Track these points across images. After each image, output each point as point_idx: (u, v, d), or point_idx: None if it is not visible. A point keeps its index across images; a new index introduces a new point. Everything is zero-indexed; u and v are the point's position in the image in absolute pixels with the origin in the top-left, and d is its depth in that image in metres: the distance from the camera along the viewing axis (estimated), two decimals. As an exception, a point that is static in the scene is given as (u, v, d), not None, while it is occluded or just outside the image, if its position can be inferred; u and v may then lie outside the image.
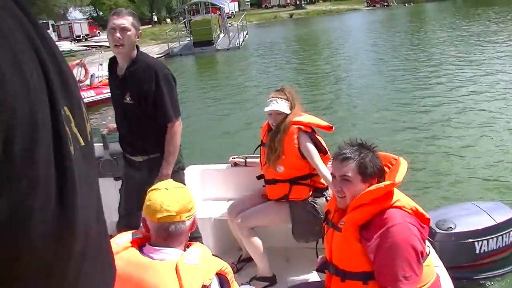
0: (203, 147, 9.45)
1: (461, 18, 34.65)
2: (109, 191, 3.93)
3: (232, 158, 4.12)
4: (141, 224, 1.97)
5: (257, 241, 3.47)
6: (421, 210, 2.21)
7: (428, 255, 2.26)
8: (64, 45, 37.34)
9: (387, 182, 2.19)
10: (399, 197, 2.20)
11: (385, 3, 61.86)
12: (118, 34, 3.05)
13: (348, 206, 2.24)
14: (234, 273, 3.69)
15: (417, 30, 30.88)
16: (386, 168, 2.35)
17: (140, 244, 1.91)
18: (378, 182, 2.22)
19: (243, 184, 3.96)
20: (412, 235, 2.08)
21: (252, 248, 3.49)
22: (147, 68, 3.13)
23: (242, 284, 3.20)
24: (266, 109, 3.44)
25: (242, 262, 3.83)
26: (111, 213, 3.57)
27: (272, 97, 3.46)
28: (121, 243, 1.88)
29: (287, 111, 3.41)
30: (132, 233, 1.95)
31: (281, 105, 3.40)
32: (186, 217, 1.89)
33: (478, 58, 17.14)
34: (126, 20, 3.06)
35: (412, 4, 60.41)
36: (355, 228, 2.20)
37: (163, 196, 1.86)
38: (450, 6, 49.03)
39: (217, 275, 1.85)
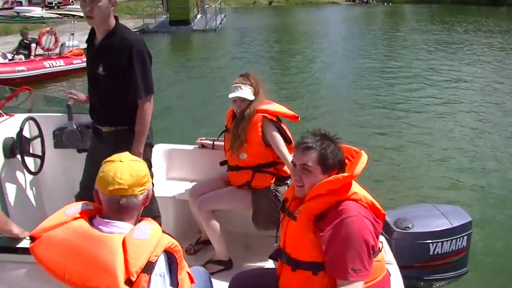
0: (172, 126, 9.39)
1: (435, 23, 35.24)
2: (72, 164, 3.84)
3: (200, 140, 4.08)
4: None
5: (215, 224, 3.46)
6: (377, 205, 2.21)
7: (380, 250, 2.27)
8: (35, 11, 36.17)
9: (345, 174, 2.18)
10: (357, 190, 2.19)
11: (365, 0, 62.14)
12: (88, 7, 2.99)
13: (306, 196, 2.22)
14: (191, 254, 3.74)
15: (392, 30, 31.27)
16: (347, 161, 2.33)
17: (90, 216, 1.88)
18: (338, 174, 2.20)
19: (209, 167, 3.93)
20: (366, 229, 2.08)
21: (210, 230, 3.49)
22: (123, 42, 3.07)
23: (192, 266, 3.18)
24: (230, 95, 3.40)
25: (200, 244, 3.83)
26: (73, 186, 3.49)
27: (236, 83, 3.41)
28: (71, 213, 1.86)
29: (251, 98, 3.37)
30: (83, 203, 1.92)
31: (245, 92, 3.37)
32: (139, 191, 1.85)
33: (447, 63, 17.66)
34: None
35: (390, 4, 60.83)
36: (310, 218, 2.19)
37: (117, 168, 1.81)
38: (427, 11, 49.64)
39: (165, 252, 1.82)
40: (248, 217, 3.48)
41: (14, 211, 3.55)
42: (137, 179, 1.84)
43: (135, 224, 1.86)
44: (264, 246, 3.44)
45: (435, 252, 3.58)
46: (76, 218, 1.84)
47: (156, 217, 3.37)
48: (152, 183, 3.29)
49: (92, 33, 3.25)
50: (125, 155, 1.90)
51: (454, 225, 3.60)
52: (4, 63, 14.76)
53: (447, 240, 3.58)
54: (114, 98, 3.16)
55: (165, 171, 4.17)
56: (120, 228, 1.81)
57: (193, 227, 3.88)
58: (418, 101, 11.91)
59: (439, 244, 3.56)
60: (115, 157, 1.87)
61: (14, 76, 14.05)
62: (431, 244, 3.54)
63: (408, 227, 3.51)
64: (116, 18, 3.16)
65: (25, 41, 15.80)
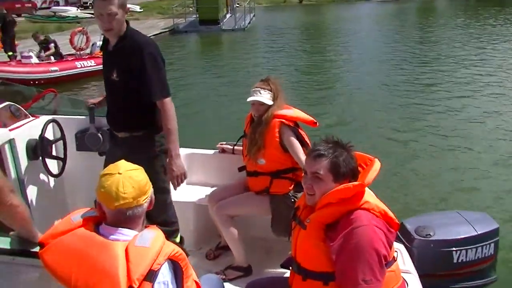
0: (194, 129, 9.38)
1: (472, 16, 34.35)
2: (93, 166, 3.87)
3: (220, 144, 4.07)
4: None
5: (233, 230, 3.46)
6: (390, 214, 2.16)
7: (395, 260, 2.22)
8: (70, 11, 37.11)
9: (355, 183, 2.13)
10: (369, 199, 2.14)
11: (396, -4, 61.22)
12: (106, 21, 3.01)
13: (316, 204, 2.18)
14: (211, 259, 3.73)
15: (426, 27, 30.60)
16: (360, 169, 2.28)
17: (97, 222, 1.90)
18: (350, 182, 2.15)
19: (229, 172, 3.92)
20: (377, 238, 2.03)
21: (228, 236, 3.49)
22: (133, 45, 3.08)
23: (209, 272, 3.17)
24: (249, 99, 3.38)
25: (220, 249, 3.83)
26: (95, 189, 3.51)
27: (256, 87, 3.40)
28: (77, 220, 1.89)
29: (269, 102, 3.35)
30: (89, 210, 1.94)
31: (264, 96, 3.35)
32: (143, 200, 1.86)
33: (485, 62, 16.99)
34: (113, 5, 2.98)
35: (422, -1, 59.76)
36: (320, 227, 2.15)
37: (118, 182, 1.81)
38: (462, 3, 48.54)
39: (170, 260, 1.81)
40: (269, 222, 3.46)
41: (36, 213, 3.59)
42: (140, 189, 1.84)
43: (140, 231, 1.87)
44: (285, 252, 3.40)
45: (460, 260, 3.48)
46: (82, 225, 1.87)
47: (173, 223, 3.41)
48: (169, 189, 3.34)
49: (106, 40, 3.28)
50: (122, 165, 1.88)
51: (479, 232, 3.50)
52: (38, 63, 15.08)
53: (471, 248, 3.48)
54: (129, 103, 3.17)
55: None
56: (125, 235, 1.82)
57: (213, 232, 3.86)
58: (449, 104, 11.54)
59: (463, 252, 3.46)
60: (112, 169, 1.86)
61: (48, 76, 14.40)
62: (454, 252, 3.45)
63: (430, 234, 3.43)
64: (127, 22, 3.17)
65: (42, 44, 16.03)
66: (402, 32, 27.99)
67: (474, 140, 8.88)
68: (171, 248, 1.83)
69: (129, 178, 1.83)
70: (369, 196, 2.18)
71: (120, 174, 1.83)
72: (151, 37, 3.31)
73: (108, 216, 1.87)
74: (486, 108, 10.98)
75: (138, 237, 1.80)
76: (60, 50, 16.33)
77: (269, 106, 3.35)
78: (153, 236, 1.82)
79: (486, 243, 3.51)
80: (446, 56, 18.59)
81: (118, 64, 3.13)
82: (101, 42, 12.90)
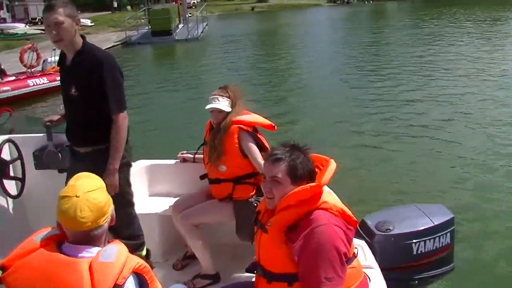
0: (153, 141, 9.33)
1: (419, 18, 35.49)
2: (54, 184, 3.80)
3: (181, 154, 4.06)
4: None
5: (199, 238, 3.45)
6: (348, 212, 2.22)
7: (355, 256, 2.28)
8: (18, 28, 36.09)
9: (312, 184, 2.19)
10: (327, 199, 2.19)
11: (346, 0, 62.49)
12: (54, 31, 2.98)
13: (276, 208, 2.22)
14: (179, 269, 3.72)
15: (376, 28, 31.43)
16: (317, 170, 2.33)
17: (59, 241, 1.87)
18: (308, 184, 2.20)
19: (191, 181, 3.90)
20: (336, 237, 2.08)
21: (194, 245, 3.48)
22: (92, 60, 3.07)
23: (178, 283, 3.17)
24: (207, 106, 3.40)
25: (187, 259, 3.80)
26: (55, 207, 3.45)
27: (214, 95, 3.42)
28: (40, 239, 1.86)
29: (228, 109, 3.38)
30: (52, 229, 1.91)
31: (222, 103, 3.37)
32: (103, 220, 1.84)
33: (433, 59, 17.68)
34: (58, 14, 2.96)
35: (371, 2, 61.22)
36: (281, 230, 2.19)
37: (76, 206, 1.78)
38: (409, 6, 50.00)
39: (135, 274, 1.81)
40: (234, 228, 3.47)
41: None
42: (99, 211, 1.81)
43: (104, 246, 1.86)
44: (251, 256, 3.42)
45: (419, 252, 3.60)
46: (45, 245, 1.84)
47: (139, 236, 3.39)
48: (133, 202, 3.33)
49: (62, 55, 3.24)
50: (80, 186, 1.84)
51: (435, 223, 3.63)
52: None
53: (430, 239, 3.60)
54: (89, 118, 3.15)
55: (147, 187, 4.15)
56: (88, 252, 1.80)
57: (179, 242, 3.83)
58: (401, 100, 11.92)
59: (422, 243, 3.58)
60: (69, 191, 1.83)
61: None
62: (414, 244, 3.56)
63: (390, 229, 3.53)
64: (83, 37, 3.16)
65: None
66: (354, 34, 28.67)
67: (425, 135, 9.15)
68: (135, 261, 1.83)
69: (87, 201, 1.79)
70: (327, 196, 2.23)
71: (78, 197, 1.79)
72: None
73: (69, 236, 1.85)
74: (437, 103, 11.37)
75: (101, 252, 1.79)
76: (2, 67, 15.74)
77: (228, 113, 3.37)
78: (116, 250, 1.81)
79: (443, 233, 3.63)
80: (396, 55, 19.20)
81: (77, 80, 3.10)
82: (52, 58, 12.56)
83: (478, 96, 11.85)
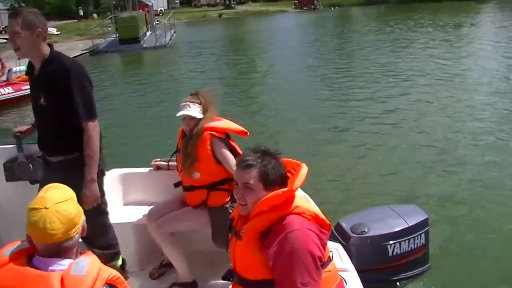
0: (125, 149, 9.22)
1: (383, 23, 36.19)
2: (26, 196, 3.69)
3: (155, 162, 4.02)
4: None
5: (174, 246, 3.42)
6: (321, 215, 2.21)
7: (331, 260, 2.27)
8: (-19, 37, 35.27)
9: (284, 189, 2.17)
10: (299, 203, 2.18)
11: (312, 6, 63.14)
12: (12, 40, 2.98)
13: (249, 214, 2.21)
14: (156, 278, 3.67)
15: (341, 33, 31.90)
16: (289, 174, 2.32)
17: (29, 255, 1.82)
18: (280, 188, 2.19)
19: (166, 189, 3.86)
20: (310, 241, 2.07)
21: (170, 253, 3.45)
22: (59, 68, 3.02)
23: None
24: (178, 113, 3.38)
25: (163, 267, 3.75)
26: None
27: (185, 102, 3.40)
28: (9, 254, 1.80)
29: (199, 116, 3.36)
30: (21, 242, 1.86)
31: (193, 110, 3.35)
32: (74, 232, 1.80)
33: (395, 62, 18.14)
34: (16, 24, 2.94)
35: (338, 8, 62.03)
36: (255, 236, 2.17)
37: (45, 218, 1.74)
38: (374, 11, 50.86)
39: (108, 285, 1.78)
40: (209, 235, 3.44)
41: None
42: (69, 223, 1.78)
43: (75, 258, 1.82)
44: (228, 263, 3.41)
45: (394, 253, 3.64)
46: (14, 259, 1.79)
47: (114, 245, 3.34)
48: (107, 211, 3.26)
49: (30, 65, 3.19)
50: (49, 198, 1.81)
51: (410, 224, 3.68)
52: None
53: (404, 240, 3.65)
54: (58, 126, 3.10)
55: (121, 196, 4.09)
56: (60, 265, 1.76)
57: (155, 251, 3.78)
58: (369, 102, 12.13)
59: (397, 244, 3.62)
60: (38, 202, 1.79)
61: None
62: (389, 246, 3.60)
63: (365, 231, 3.56)
64: (50, 45, 3.11)
65: None
66: (321, 38, 29.09)
67: (395, 137, 9.33)
68: (108, 272, 1.80)
69: (57, 212, 1.76)
70: (300, 200, 2.22)
71: (47, 209, 1.76)
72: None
73: (39, 249, 1.81)
74: (405, 105, 11.65)
75: (73, 265, 1.75)
76: None
77: (200, 119, 3.35)
78: (88, 262, 1.77)
79: (418, 233, 3.69)
80: (362, 60, 19.54)
81: (45, 89, 3.05)
82: (17, 68, 12.37)
83: (444, 97, 12.22)
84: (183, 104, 3.39)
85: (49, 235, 1.73)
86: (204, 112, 3.37)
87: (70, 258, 1.80)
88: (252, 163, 2.18)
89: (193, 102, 3.37)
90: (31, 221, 1.75)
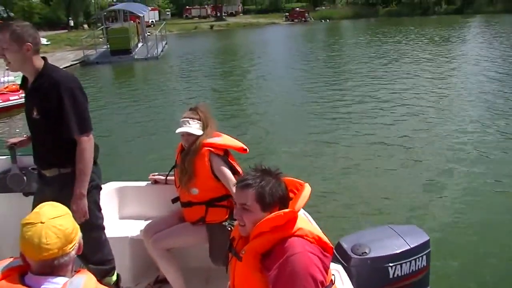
0: (122, 162, 9.15)
1: (373, 35, 36.59)
2: (19, 208, 3.60)
3: (152, 176, 3.94)
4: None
5: (171, 263, 3.37)
6: (324, 238, 2.14)
7: (333, 283, 2.19)
8: (-32, 48, 34.81)
9: (286, 210, 2.10)
10: (302, 225, 2.11)
11: (303, 19, 63.62)
12: (2, 56, 2.93)
13: (250, 235, 2.14)
14: (151, 294, 3.56)
15: (332, 45, 32.12)
16: (292, 194, 2.25)
17: (21, 272, 1.75)
18: (281, 209, 2.12)
19: (163, 203, 3.80)
20: (312, 264, 2.01)
21: (166, 269, 3.39)
22: (50, 81, 2.96)
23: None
24: (178, 130, 3.32)
25: (159, 283, 3.69)
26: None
27: (184, 118, 3.34)
28: (0, 271, 1.74)
29: (198, 133, 3.30)
30: (13, 259, 1.79)
31: (193, 126, 3.30)
32: (70, 248, 1.73)
33: (388, 75, 18.32)
34: (4, 39, 2.89)
35: (328, 20, 62.54)
36: (255, 257, 2.10)
37: (40, 232, 1.67)
38: (364, 25, 51.31)
39: None
40: (207, 251, 3.38)
41: None
42: (65, 238, 1.71)
43: (70, 277, 1.75)
44: (225, 280, 3.35)
45: (395, 275, 3.55)
46: (5, 276, 1.72)
47: (109, 261, 3.28)
48: (103, 226, 3.17)
49: (24, 78, 3.15)
50: (45, 213, 1.75)
51: (411, 246, 3.59)
52: None
53: (406, 262, 3.56)
54: (52, 141, 3.04)
55: (118, 210, 4.03)
56: (53, 283, 1.70)
57: (151, 266, 3.72)
58: (363, 117, 12.14)
59: (398, 266, 3.53)
60: (33, 217, 1.73)
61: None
62: (390, 268, 3.51)
63: (366, 252, 3.47)
64: (44, 58, 3.06)
65: None
66: (312, 50, 29.33)
67: (393, 155, 9.30)
68: None
69: (53, 227, 1.70)
70: (302, 222, 2.15)
71: (43, 223, 1.70)
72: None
73: (33, 266, 1.74)
74: (400, 121, 11.64)
75: (68, 285, 1.69)
76: None
77: (199, 136, 3.29)
78: (83, 282, 1.72)
79: (419, 255, 3.60)
80: (353, 72, 19.72)
81: (37, 102, 3.00)
82: (5, 78, 12.35)
83: (437, 110, 12.29)
84: (182, 120, 3.34)
85: (44, 250, 1.66)
86: (204, 128, 3.33)
87: (65, 276, 1.73)
88: (250, 182, 2.11)
89: (193, 118, 3.32)
90: (25, 236, 1.68)
